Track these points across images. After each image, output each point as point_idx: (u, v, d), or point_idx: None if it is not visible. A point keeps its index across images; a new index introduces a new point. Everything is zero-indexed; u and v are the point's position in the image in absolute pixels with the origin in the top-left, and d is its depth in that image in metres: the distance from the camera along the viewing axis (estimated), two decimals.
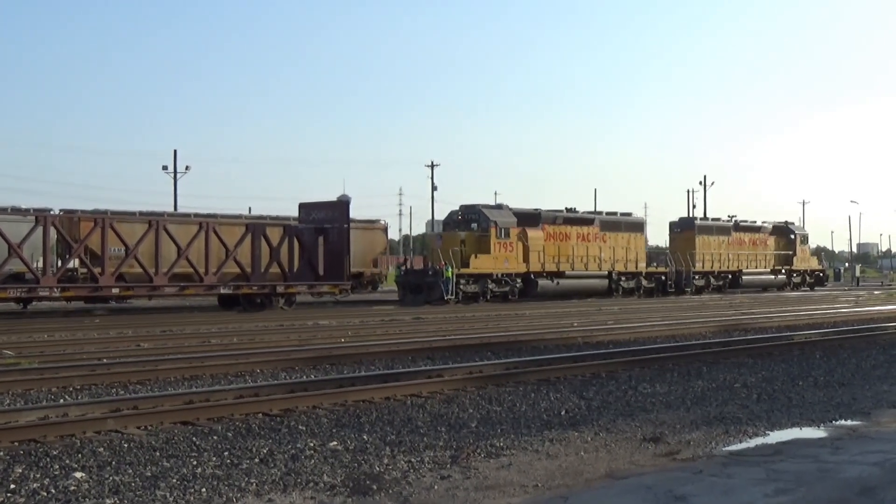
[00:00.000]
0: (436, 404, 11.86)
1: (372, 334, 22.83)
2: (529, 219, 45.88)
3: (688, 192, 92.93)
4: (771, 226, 62.87)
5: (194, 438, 9.51)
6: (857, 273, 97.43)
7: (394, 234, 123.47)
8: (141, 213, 38.24)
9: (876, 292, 58.27)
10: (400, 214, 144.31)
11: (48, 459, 8.45)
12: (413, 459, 8.51)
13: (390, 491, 7.42)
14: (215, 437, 9.60)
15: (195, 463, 8.37)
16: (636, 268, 50.76)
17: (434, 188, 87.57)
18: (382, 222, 48.08)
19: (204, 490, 7.42)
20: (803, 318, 29.75)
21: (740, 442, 9.51)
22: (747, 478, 7.80)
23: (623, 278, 49.90)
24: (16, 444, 9.07)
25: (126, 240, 31.08)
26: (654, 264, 53.54)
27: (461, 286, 41.60)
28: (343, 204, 39.54)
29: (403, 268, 45.00)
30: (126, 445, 9.13)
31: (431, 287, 40.94)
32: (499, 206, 45.77)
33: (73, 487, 7.47)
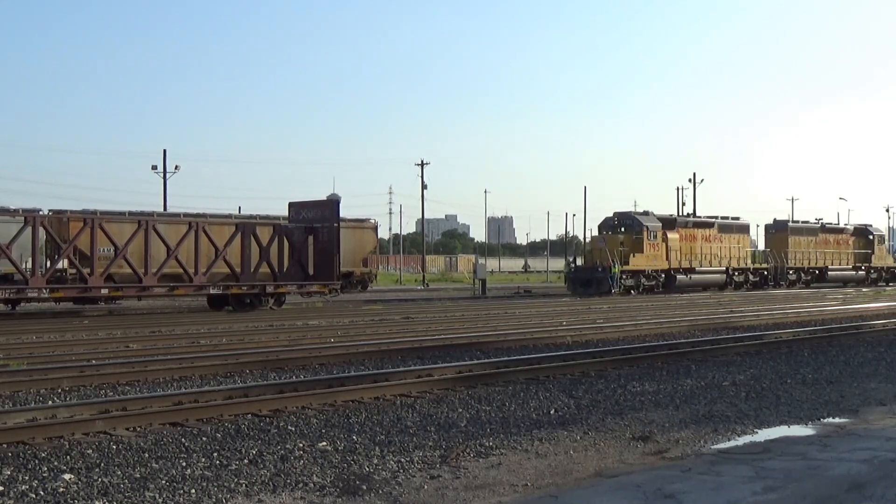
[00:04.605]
0: (425, 404, 11.88)
1: (361, 334, 22.82)
2: (668, 223, 53.51)
3: (677, 189, 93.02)
4: (852, 227, 70.40)
5: (183, 440, 9.50)
6: None
7: (384, 233, 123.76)
8: (130, 213, 38.11)
9: (864, 289, 58.51)
10: (390, 213, 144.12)
11: (37, 461, 8.43)
12: (403, 459, 8.52)
13: (380, 491, 7.43)
14: (204, 439, 9.59)
15: (184, 464, 8.37)
16: (745, 264, 58.56)
17: (424, 187, 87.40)
18: (372, 221, 48.08)
19: (193, 491, 7.41)
20: (791, 315, 29.83)
21: (729, 440, 9.54)
22: (736, 475, 7.83)
23: (736, 273, 57.20)
24: (4, 446, 9.04)
25: (115, 240, 30.95)
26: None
27: (622, 280, 48.87)
28: (333, 203, 39.48)
29: (573, 265, 53.49)
30: (115, 447, 9.11)
31: (600, 281, 48.34)
32: (646, 213, 53.54)
33: (61, 489, 7.45)
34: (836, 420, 10.75)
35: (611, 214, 52.88)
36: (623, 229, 51.04)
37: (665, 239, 52.22)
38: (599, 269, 48.97)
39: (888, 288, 61.21)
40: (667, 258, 52.15)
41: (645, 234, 50.79)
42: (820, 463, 8.30)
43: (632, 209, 57.25)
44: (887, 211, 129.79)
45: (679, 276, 52.58)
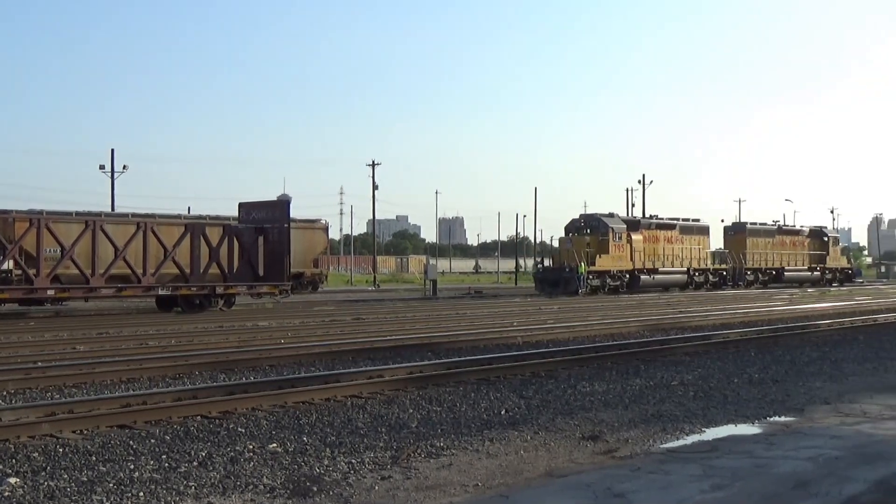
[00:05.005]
0: (376, 405, 11.86)
1: (312, 335, 22.72)
2: (632, 224, 55.66)
3: (627, 190, 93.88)
4: (808, 230, 72.91)
5: (131, 442, 9.40)
6: None
7: (335, 234, 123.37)
8: (77, 213, 37.58)
9: (809, 290, 59.37)
10: (341, 214, 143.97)
11: None
12: (353, 460, 8.50)
13: (331, 492, 7.41)
14: (153, 441, 9.50)
15: (132, 467, 8.28)
16: (705, 265, 60.81)
17: (375, 187, 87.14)
18: (323, 222, 47.87)
19: (141, 494, 7.34)
20: (739, 316, 30.19)
21: (677, 439, 9.63)
22: (684, 474, 7.91)
23: (696, 273, 59.19)
24: None
25: (62, 240, 30.54)
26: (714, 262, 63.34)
27: (589, 281, 50.65)
28: (283, 203, 39.23)
29: (541, 266, 55.20)
30: (61, 450, 9.00)
31: (568, 281, 50.12)
32: (611, 215, 55.46)
33: (7, 493, 7.34)
34: (782, 419, 10.90)
35: (576, 216, 54.93)
36: (589, 231, 52.87)
37: (629, 240, 54.00)
38: (567, 270, 50.67)
39: (832, 289, 62.20)
40: (631, 259, 54.01)
41: (610, 235, 52.62)
42: (766, 461, 8.41)
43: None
44: (832, 212, 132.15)
45: (643, 277, 54.42)
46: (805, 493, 7.27)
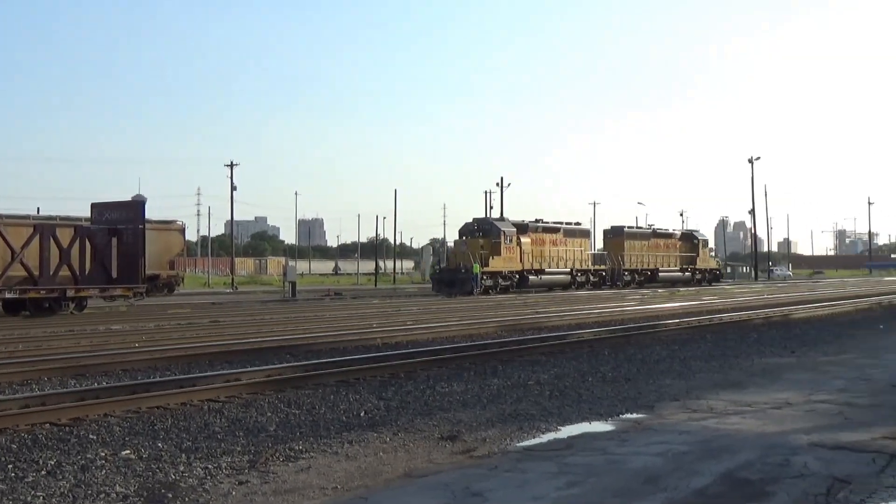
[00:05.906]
0: (234, 409, 11.72)
1: (168, 339, 22.24)
2: (521, 228, 58.58)
3: (485, 193, 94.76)
4: (680, 233, 77.93)
5: None
6: None
7: (192, 235, 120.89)
8: None
9: (660, 290, 61.26)
10: (198, 215, 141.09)
11: None
12: (210, 466, 8.38)
13: (186, 499, 7.28)
14: None
15: None
16: (587, 266, 64.35)
17: (233, 188, 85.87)
18: (179, 223, 46.98)
19: None
20: (594, 316, 30.91)
21: (534, 438, 9.80)
22: (540, 472, 8.06)
23: (578, 274, 62.78)
24: None
25: None
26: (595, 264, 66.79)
27: (483, 281, 53.69)
28: (138, 204, 38.28)
29: (437, 267, 58.98)
30: None
31: (464, 282, 53.13)
32: (502, 219, 60.54)
33: None
34: (634, 416, 11.21)
35: (469, 220, 58.30)
36: (482, 234, 55.98)
37: (519, 243, 57.19)
38: (463, 271, 53.68)
39: (681, 290, 64.28)
40: (521, 260, 57.22)
41: (502, 238, 55.76)
42: (619, 457, 8.65)
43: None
44: (682, 215, 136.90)
45: (531, 277, 57.73)
46: (655, 488, 7.51)
